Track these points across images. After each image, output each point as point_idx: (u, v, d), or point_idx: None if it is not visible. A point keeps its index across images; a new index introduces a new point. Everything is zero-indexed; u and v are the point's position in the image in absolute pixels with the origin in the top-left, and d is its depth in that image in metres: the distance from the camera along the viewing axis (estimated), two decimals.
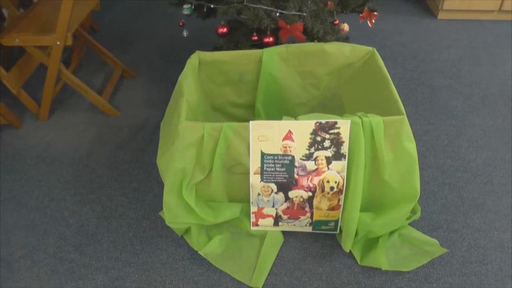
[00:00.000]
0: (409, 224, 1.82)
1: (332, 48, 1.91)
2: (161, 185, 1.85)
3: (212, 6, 2.23)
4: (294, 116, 1.57)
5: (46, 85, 2.37)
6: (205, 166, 1.59)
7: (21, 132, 2.39)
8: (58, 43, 2.19)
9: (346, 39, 2.33)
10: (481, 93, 2.67)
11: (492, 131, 2.37)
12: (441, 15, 3.56)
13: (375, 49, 1.89)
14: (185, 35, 2.41)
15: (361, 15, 2.41)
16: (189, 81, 1.72)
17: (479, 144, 2.29)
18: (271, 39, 2.10)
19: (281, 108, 2.03)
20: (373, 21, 2.40)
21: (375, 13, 2.39)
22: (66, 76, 2.39)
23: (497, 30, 3.38)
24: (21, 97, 2.41)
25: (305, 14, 2.08)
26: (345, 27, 2.37)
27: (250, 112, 2.07)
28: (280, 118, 1.55)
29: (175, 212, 1.63)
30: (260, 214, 1.73)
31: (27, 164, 2.19)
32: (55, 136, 2.36)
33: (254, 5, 2.05)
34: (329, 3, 2.23)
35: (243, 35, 2.21)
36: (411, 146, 1.57)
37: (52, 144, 2.30)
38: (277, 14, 2.07)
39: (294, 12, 2.08)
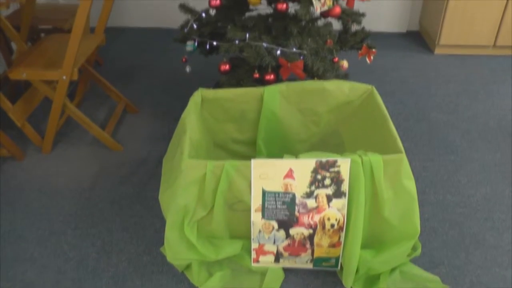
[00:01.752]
0: (410, 260, 1.83)
1: (332, 86, 1.95)
2: (162, 220, 1.87)
3: (214, 43, 2.29)
4: (295, 153, 1.59)
5: (50, 119, 2.40)
6: (207, 203, 1.61)
7: (24, 164, 2.41)
8: (64, 77, 2.24)
9: (345, 76, 2.38)
10: (479, 128, 2.70)
11: (491, 166, 2.40)
12: (437, 50, 3.63)
13: (373, 87, 1.93)
14: (187, 71, 2.46)
15: (360, 52, 2.46)
16: (192, 118, 1.75)
17: (478, 179, 2.31)
18: (272, 76, 2.15)
19: (282, 145, 2.06)
20: (372, 57, 2.45)
21: (373, 50, 2.45)
22: (70, 110, 2.42)
23: (493, 65, 3.44)
24: (26, 130, 2.44)
25: (305, 52, 2.13)
26: (345, 64, 2.42)
27: (251, 149, 2.09)
28: (281, 156, 1.58)
29: (176, 249, 1.64)
30: (261, 251, 1.73)
31: (28, 196, 2.20)
32: (57, 169, 2.38)
33: (256, 43, 2.10)
34: (328, 41, 2.28)
35: (245, 72, 2.25)
36: (410, 184, 1.60)
37: (54, 177, 2.32)
38: (278, 52, 2.12)
39: (294, 50, 2.13)
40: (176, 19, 2.69)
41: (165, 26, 4.06)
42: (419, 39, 3.89)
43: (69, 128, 2.68)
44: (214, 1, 2.17)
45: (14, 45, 2.91)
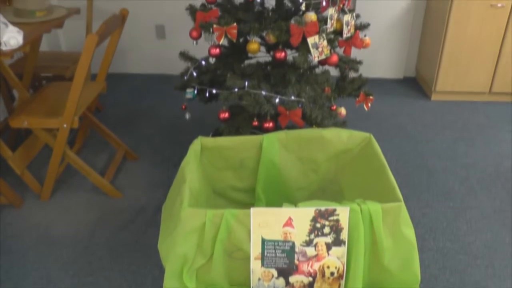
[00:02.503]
0: None
1: (330, 134, 1.97)
2: (160, 268, 1.85)
3: (214, 91, 2.33)
4: (294, 201, 1.60)
5: (50, 167, 2.41)
6: (207, 251, 1.60)
7: (22, 212, 2.40)
8: (65, 126, 2.26)
9: (343, 123, 2.40)
10: (477, 175, 2.71)
11: (490, 213, 2.39)
12: (434, 97, 3.68)
13: (372, 135, 1.95)
14: (187, 118, 2.49)
15: (357, 99, 2.50)
16: (191, 167, 1.76)
17: (478, 226, 2.31)
18: (271, 124, 2.18)
19: (281, 192, 2.06)
20: (369, 104, 2.49)
21: (370, 97, 2.49)
22: (70, 157, 2.43)
23: (489, 111, 3.48)
24: (25, 178, 2.45)
25: (303, 99, 2.16)
26: (342, 111, 2.46)
27: (250, 196, 2.10)
28: (280, 204, 1.58)
29: None
30: None
31: (26, 245, 2.18)
32: (56, 217, 2.37)
33: (255, 91, 2.14)
34: (326, 88, 2.32)
35: (244, 120, 2.28)
36: (409, 232, 1.59)
37: (52, 225, 2.31)
38: (277, 100, 2.16)
39: (293, 98, 2.16)
40: (176, 66, 2.74)
41: (165, 72, 4.13)
42: (415, 85, 3.96)
43: (68, 175, 2.69)
44: (214, 50, 2.22)
45: (15, 92, 2.95)
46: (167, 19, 3.95)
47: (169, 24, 3.96)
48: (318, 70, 2.51)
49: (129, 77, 4.09)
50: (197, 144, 1.91)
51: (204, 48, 2.35)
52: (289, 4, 2.48)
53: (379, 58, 3.99)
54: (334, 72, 2.53)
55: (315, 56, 2.08)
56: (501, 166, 2.79)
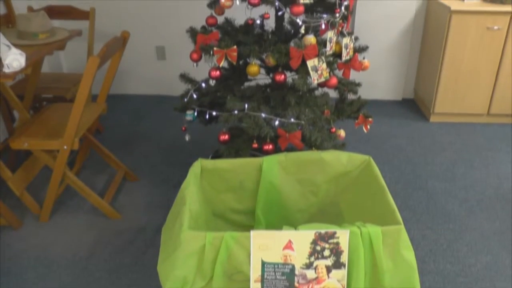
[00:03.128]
0: None
1: (330, 156, 1.98)
2: None
3: (214, 113, 2.34)
4: (294, 223, 1.60)
5: (49, 188, 2.41)
6: (206, 273, 1.59)
7: (21, 233, 2.39)
8: (65, 147, 2.27)
9: (342, 145, 2.41)
10: (477, 197, 2.71)
11: (490, 235, 2.39)
12: (433, 118, 3.70)
13: (371, 158, 1.96)
14: (187, 140, 2.50)
15: (356, 121, 2.52)
16: (191, 189, 1.76)
17: (478, 248, 2.30)
18: (270, 146, 2.18)
19: (280, 215, 2.06)
20: (368, 127, 2.50)
21: (370, 119, 2.50)
22: (70, 178, 2.44)
23: (488, 133, 3.50)
24: (24, 199, 2.45)
25: (303, 122, 2.17)
26: (342, 133, 2.47)
27: (250, 218, 2.10)
28: (280, 227, 1.58)
29: None
30: None
31: (24, 266, 2.17)
32: (55, 238, 2.36)
33: (255, 113, 2.15)
34: (326, 111, 2.34)
35: (244, 142, 2.29)
36: (409, 255, 1.59)
37: (51, 246, 2.30)
38: (276, 122, 2.17)
39: (292, 120, 2.17)
40: (176, 87, 2.76)
41: (165, 93, 4.16)
42: (414, 107, 3.98)
43: (67, 196, 2.68)
44: (214, 72, 2.24)
45: (16, 112, 2.96)
46: (167, 40, 3.98)
47: (170, 45, 4.00)
48: (318, 92, 2.53)
49: (129, 98, 4.11)
50: (197, 166, 1.92)
51: (204, 70, 2.37)
52: (289, 27, 2.52)
53: (377, 80, 4.02)
54: (333, 93, 2.55)
55: (314, 79, 2.10)
56: (500, 188, 2.80)
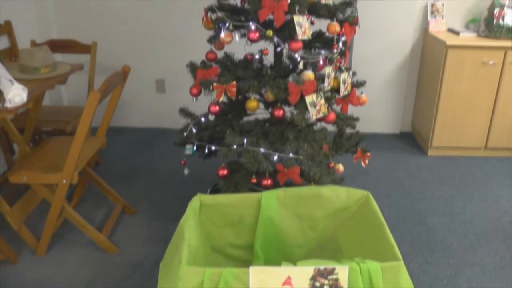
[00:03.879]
0: None
1: (328, 192, 1.98)
2: None
3: (213, 148, 2.35)
4: (293, 258, 1.59)
5: (47, 222, 2.40)
6: None
7: (18, 267, 2.37)
8: (64, 181, 2.27)
9: (341, 179, 2.42)
10: (476, 231, 2.71)
11: (490, 270, 2.38)
12: (431, 152, 3.72)
13: (369, 193, 1.96)
14: (186, 174, 2.51)
15: (355, 155, 2.53)
16: (190, 224, 1.76)
17: (478, 283, 2.28)
18: (269, 181, 2.19)
19: (279, 250, 2.05)
20: (367, 161, 2.52)
21: (368, 153, 2.52)
22: (68, 212, 2.43)
23: (486, 167, 3.51)
24: (22, 233, 2.43)
25: (301, 157, 2.18)
26: (340, 167, 2.48)
27: (249, 253, 2.08)
28: (279, 262, 1.57)
29: None
30: None
31: None
32: (51, 272, 2.34)
33: (254, 148, 2.17)
34: (324, 146, 2.35)
35: (242, 177, 2.30)
36: None
37: (48, 281, 2.28)
38: (275, 157, 2.18)
39: (291, 155, 2.18)
40: (175, 120, 2.78)
41: (165, 126, 4.18)
42: (412, 140, 4.00)
43: (65, 229, 2.67)
44: (214, 108, 2.26)
45: (15, 145, 2.97)
46: (167, 73, 4.03)
47: (169, 78, 4.05)
48: (316, 126, 2.55)
49: (129, 131, 4.14)
50: (196, 201, 1.92)
51: (204, 102, 2.39)
52: (287, 61, 2.55)
53: (375, 113, 4.05)
54: (331, 127, 2.57)
55: (313, 115, 2.12)
56: (500, 222, 2.79)
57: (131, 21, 3.86)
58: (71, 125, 3.02)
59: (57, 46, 3.31)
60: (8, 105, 2.03)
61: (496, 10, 3.44)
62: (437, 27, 3.72)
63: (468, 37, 3.48)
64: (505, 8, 3.42)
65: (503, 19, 3.41)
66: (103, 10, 3.84)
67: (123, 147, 3.81)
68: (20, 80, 2.27)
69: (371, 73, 3.88)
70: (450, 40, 3.37)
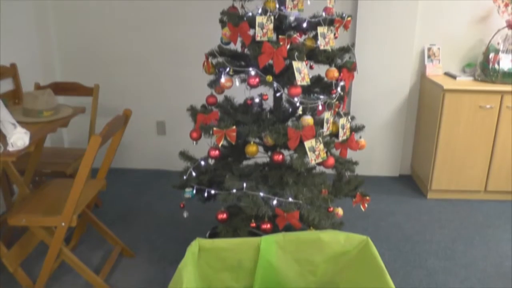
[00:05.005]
0: None
1: (328, 236, 1.98)
2: None
3: (212, 191, 2.36)
4: None
5: (45, 264, 2.38)
6: None
7: None
8: (63, 224, 2.26)
9: (340, 223, 2.41)
10: (477, 275, 2.68)
11: None
12: (430, 195, 3.72)
13: (369, 238, 1.96)
14: (185, 216, 2.51)
15: (354, 199, 2.53)
16: (188, 269, 1.75)
17: None
18: (268, 225, 2.19)
19: None
20: (366, 205, 2.52)
21: (367, 197, 2.52)
22: (65, 255, 2.41)
23: (486, 210, 3.50)
24: (18, 276, 2.41)
25: (301, 201, 2.19)
26: (339, 211, 2.48)
27: None
28: None
29: None
30: None
31: None
32: None
33: (253, 193, 2.17)
34: (323, 190, 2.36)
35: (242, 221, 2.29)
36: None
37: None
38: (275, 201, 2.18)
39: (290, 200, 2.19)
40: (176, 162, 2.79)
41: (165, 168, 4.20)
42: (411, 183, 4.01)
43: (62, 271, 2.65)
44: (214, 152, 2.28)
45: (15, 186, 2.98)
46: (168, 115, 4.07)
47: (170, 120, 4.08)
48: (315, 170, 2.57)
49: (129, 172, 4.14)
50: (195, 245, 1.92)
51: (204, 146, 2.41)
52: (287, 105, 2.58)
53: (374, 156, 4.07)
54: (330, 171, 2.58)
55: (312, 159, 2.14)
56: (501, 266, 2.77)
57: (132, 63, 3.93)
58: (71, 168, 3.03)
59: (60, 88, 3.36)
60: (10, 148, 2.05)
61: (491, 55, 3.50)
62: (434, 71, 3.79)
63: (464, 81, 3.54)
64: (500, 53, 3.49)
65: (498, 63, 3.47)
66: (106, 52, 3.91)
67: (123, 188, 3.81)
68: (22, 123, 2.30)
69: (369, 116, 3.92)
70: (447, 84, 3.43)
